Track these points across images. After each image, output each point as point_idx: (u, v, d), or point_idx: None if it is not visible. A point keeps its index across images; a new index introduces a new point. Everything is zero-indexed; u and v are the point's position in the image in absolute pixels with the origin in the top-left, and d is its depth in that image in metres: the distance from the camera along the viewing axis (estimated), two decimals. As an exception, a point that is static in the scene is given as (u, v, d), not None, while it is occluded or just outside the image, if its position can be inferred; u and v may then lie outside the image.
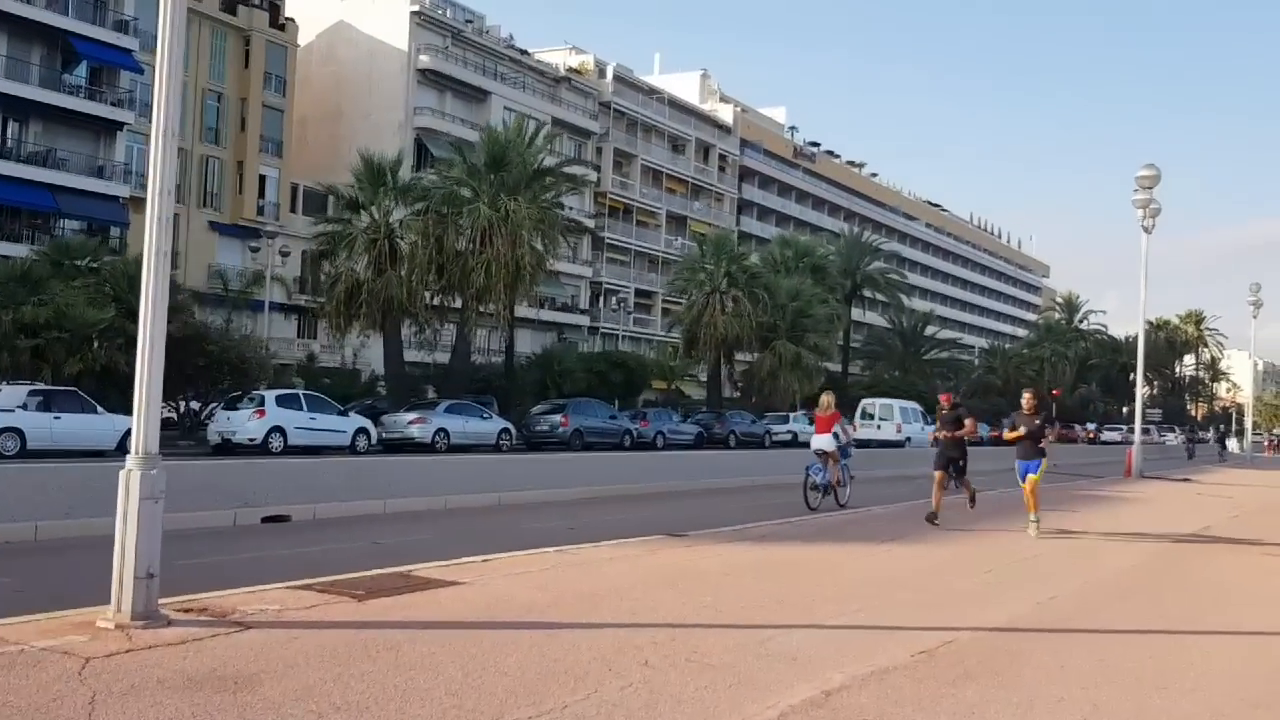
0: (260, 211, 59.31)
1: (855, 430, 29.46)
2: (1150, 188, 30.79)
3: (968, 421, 16.29)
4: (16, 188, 46.90)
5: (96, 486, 11.22)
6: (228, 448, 26.58)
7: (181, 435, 30.27)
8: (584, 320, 76.06)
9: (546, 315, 71.72)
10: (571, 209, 74.73)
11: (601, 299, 78.40)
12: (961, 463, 16.21)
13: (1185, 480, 31.88)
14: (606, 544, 11.58)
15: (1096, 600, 10.02)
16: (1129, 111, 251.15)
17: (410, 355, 53.58)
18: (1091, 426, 79.88)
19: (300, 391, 30.09)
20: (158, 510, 6.77)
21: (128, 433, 20.98)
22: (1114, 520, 18.31)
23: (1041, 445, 15.09)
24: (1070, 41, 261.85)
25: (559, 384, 42.22)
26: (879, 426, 46.93)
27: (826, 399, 19.15)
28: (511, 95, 69.46)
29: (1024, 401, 15.62)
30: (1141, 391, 35.54)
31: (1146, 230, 31.38)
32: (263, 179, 60.19)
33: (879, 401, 49.18)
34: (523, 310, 69.61)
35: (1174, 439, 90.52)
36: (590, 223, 76.82)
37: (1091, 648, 7.56)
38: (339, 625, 7.12)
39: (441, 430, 30.63)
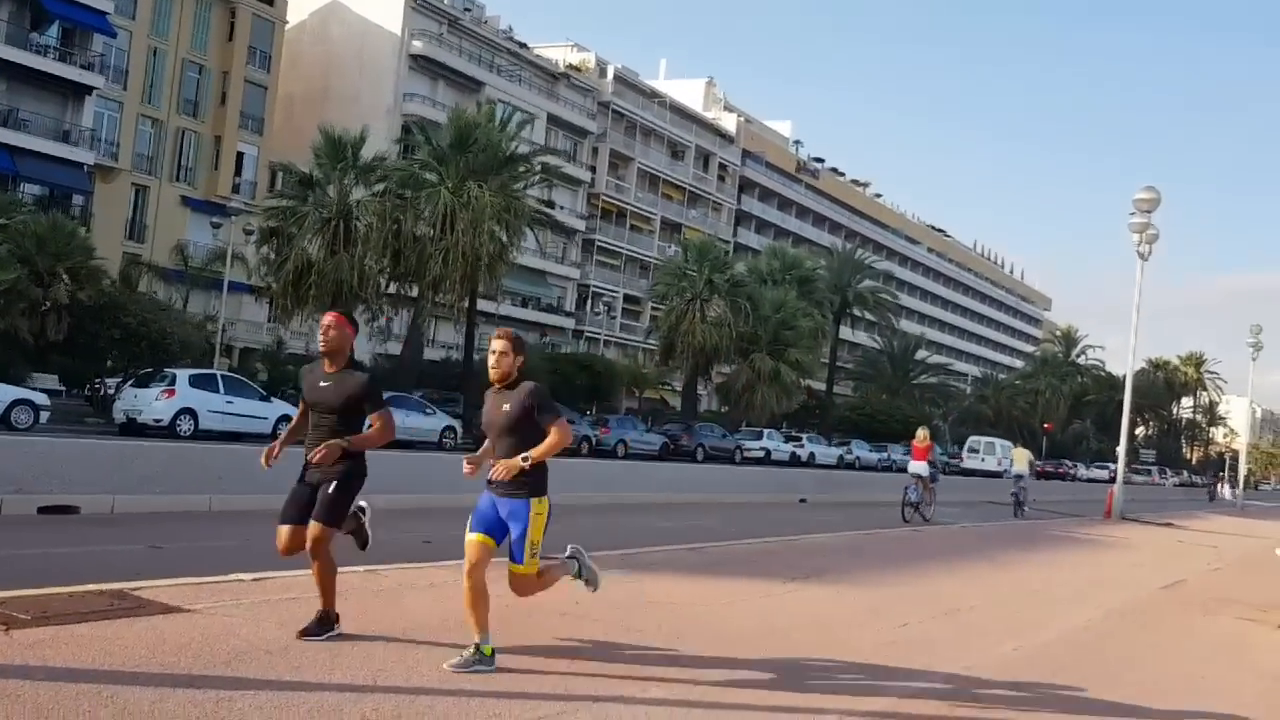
0: (236, 189, 57.46)
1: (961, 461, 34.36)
2: (1149, 211, 28.82)
3: None
4: (-29, 146, 45.10)
5: None
6: (133, 428, 24.53)
7: (96, 411, 28.24)
8: (569, 323, 74.15)
9: (530, 315, 69.86)
10: (563, 208, 73.07)
11: (589, 302, 76.48)
12: None
13: (1168, 525, 29.80)
14: (436, 565, 9.57)
15: (1019, 676, 7.98)
16: (1149, 158, 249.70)
17: (384, 348, 51.68)
18: (1074, 463, 77.81)
19: (218, 372, 28.05)
20: None
21: (12, 404, 18.67)
22: (1077, 569, 16.27)
23: None
24: (1095, 83, 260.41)
25: (518, 384, 40.02)
26: (983, 460, 55.35)
27: (922, 433, 23.90)
28: (506, 88, 67.61)
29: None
30: (1126, 424, 33.46)
31: (1143, 257, 29.38)
32: (241, 156, 58.38)
33: (983, 439, 59.69)
34: (505, 308, 68.16)
35: (1171, 481, 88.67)
36: (581, 223, 75.00)
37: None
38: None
39: (375, 424, 28.51)
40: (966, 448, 58.53)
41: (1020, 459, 29.95)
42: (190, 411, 24.48)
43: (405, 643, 6.64)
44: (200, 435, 24.54)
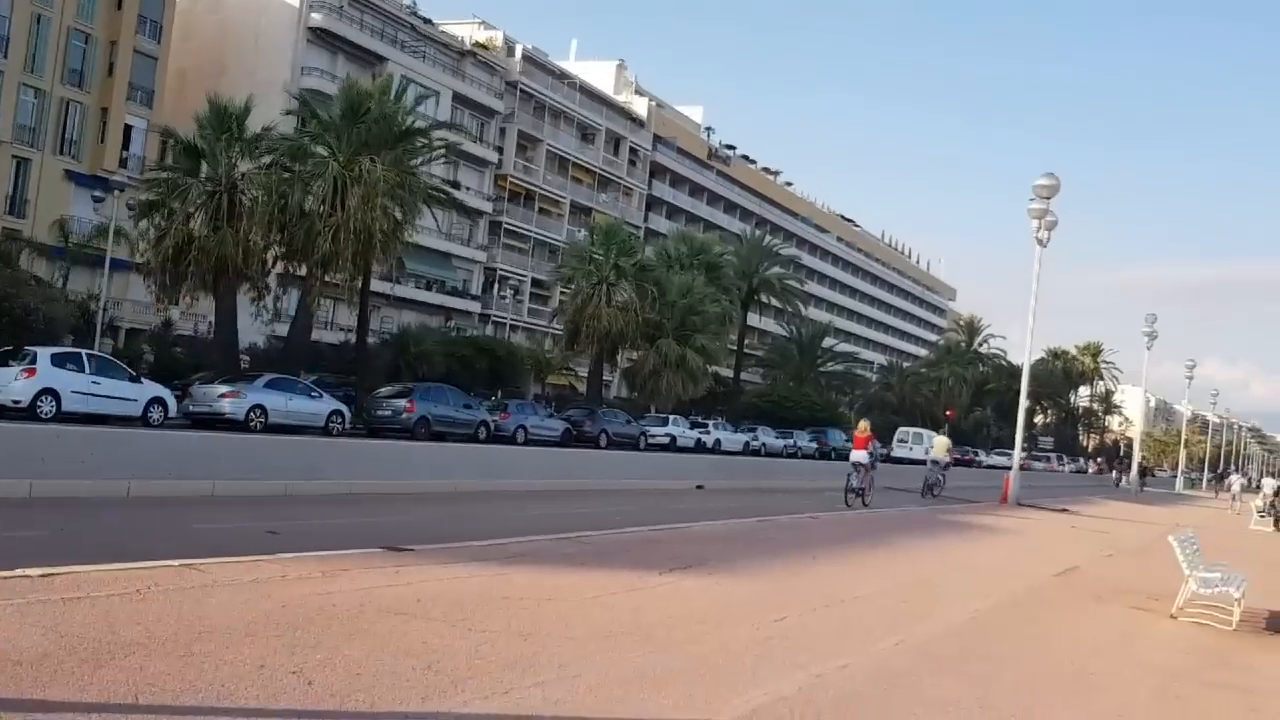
0: (124, 164, 54.78)
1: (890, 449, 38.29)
2: (1048, 198, 28.86)
3: None
4: None
5: None
6: (-9, 410, 22.90)
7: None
8: (475, 307, 72.65)
9: (434, 298, 68.32)
10: (469, 189, 71.46)
11: (496, 286, 75.10)
12: None
13: (1063, 511, 29.96)
14: (272, 559, 8.64)
15: (898, 674, 7.38)
16: (1055, 150, 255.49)
17: (272, 329, 49.75)
18: (977, 450, 79.03)
19: (84, 352, 26.37)
20: None
21: None
22: (970, 556, 15.91)
23: None
24: (1001, 78, 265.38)
25: (413, 367, 38.81)
26: (911, 449, 58.69)
27: (864, 424, 25.39)
28: (410, 64, 65.73)
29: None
30: (1023, 411, 33.66)
31: (1041, 243, 29.43)
32: (129, 129, 55.70)
33: (911, 430, 65.14)
34: (409, 290, 66.49)
35: (1069, 468, 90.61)
36: (488, 205, 73.53)
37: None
38: None
39: (258, 407, 27.15)
40: (896, 439, 61.28)
41: (940, 447, 32.06)
42: (52, 392, 22.84)
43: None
44: (65, 417, 22.99)
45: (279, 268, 35.12)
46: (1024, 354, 36.96)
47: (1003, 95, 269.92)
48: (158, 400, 25.14)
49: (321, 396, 29.78)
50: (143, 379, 25.93)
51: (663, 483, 24.09)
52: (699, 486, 24.86)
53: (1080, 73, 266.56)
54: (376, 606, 7.28)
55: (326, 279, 33.55)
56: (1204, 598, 11.73)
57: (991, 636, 9.23)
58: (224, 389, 27.59)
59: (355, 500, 15.00)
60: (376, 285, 63.13)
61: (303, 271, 34.61)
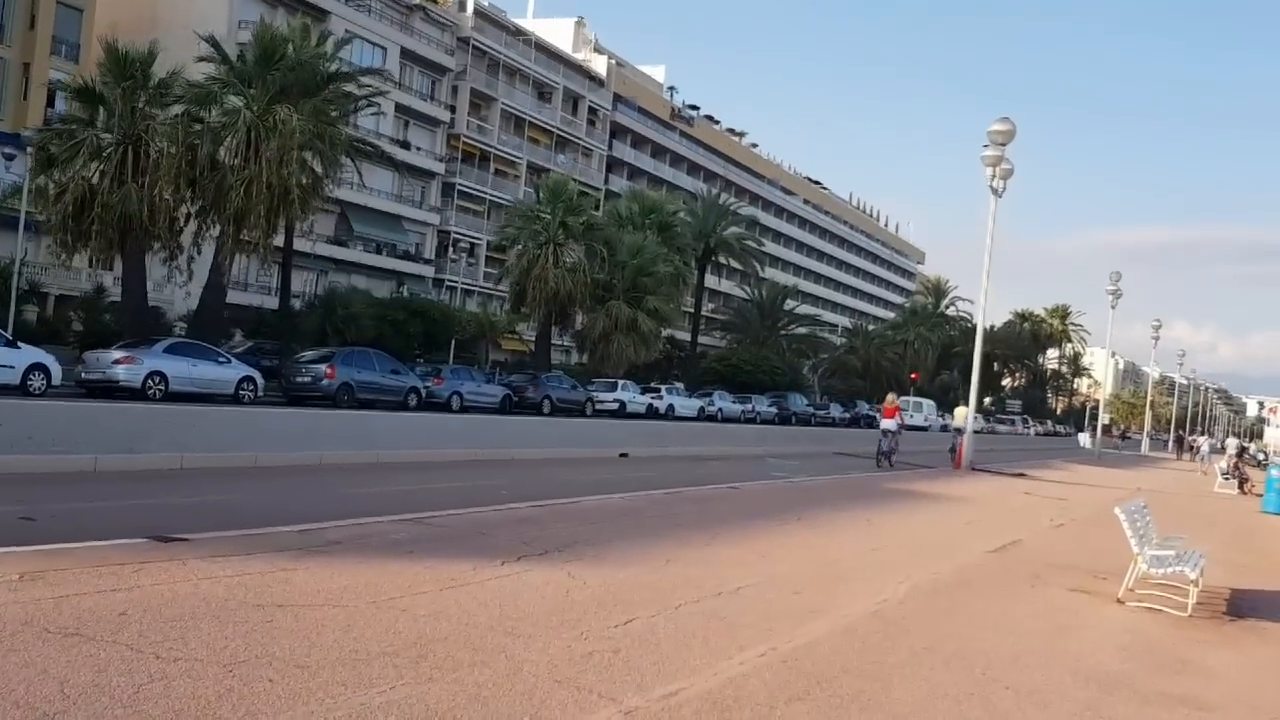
0: (48, 122, 52.15)
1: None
2: (1003, 144, 27.10)
3: None
4: None
5: None
6: None
7: None
8: (428, 271, 70.37)
9: (385, 262, 66.08)
10: (420, 149, 69.07)
11: (450, 249, 72.83)
12: None
13: (1020, 475, 28.46)
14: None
15: (740, 703, 5.65)
16: (1026, 113, 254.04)
17: (234, 297, 47.36)
18: (943, 413, 77.87)
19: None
20: None
21: None
22: (900, 530, 14.22)
23: None
24: (972, 42, 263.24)
25: (341, 331, 36.72)
26: (911, 416, 57.88)
27: (892, 396, 30.21)
28: (354, 18, 63.07)
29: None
30: (977, 369, 32.20)
31: (996, 193, 27.70)
32: (54, 86, 53.02)
33: (912, 399, 65.52)
34: (357, 254, 64.14)
35: (1035, 430, 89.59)
36: (440, 166, 71.16)
37: None
38: None
39: (157, 374, 25.12)
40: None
41: (960, 416, 34.02)
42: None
43: None
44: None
45: (192, 225, 32.85)
46: (979, 309, 35.31)
47: (975, 59, 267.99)
48: (38, 367, 23.09)
49: (229, 362, 27.75)
50: (20, 344, 23.84)
51: (581, 450, 22.27)
52: (623, 455, 23.09)
53: (1052, 32, 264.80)
54: (43, 625, 5.47)
55: (241, 237, 31.33)
56: (1156, 578, 10.13)
57: (889, 638, 7.50)
58: (119, 354, 25.50)
59: (183, 477, 13.11)
60: (324, 249, 61.24)
61: (215, 229, 32.42)
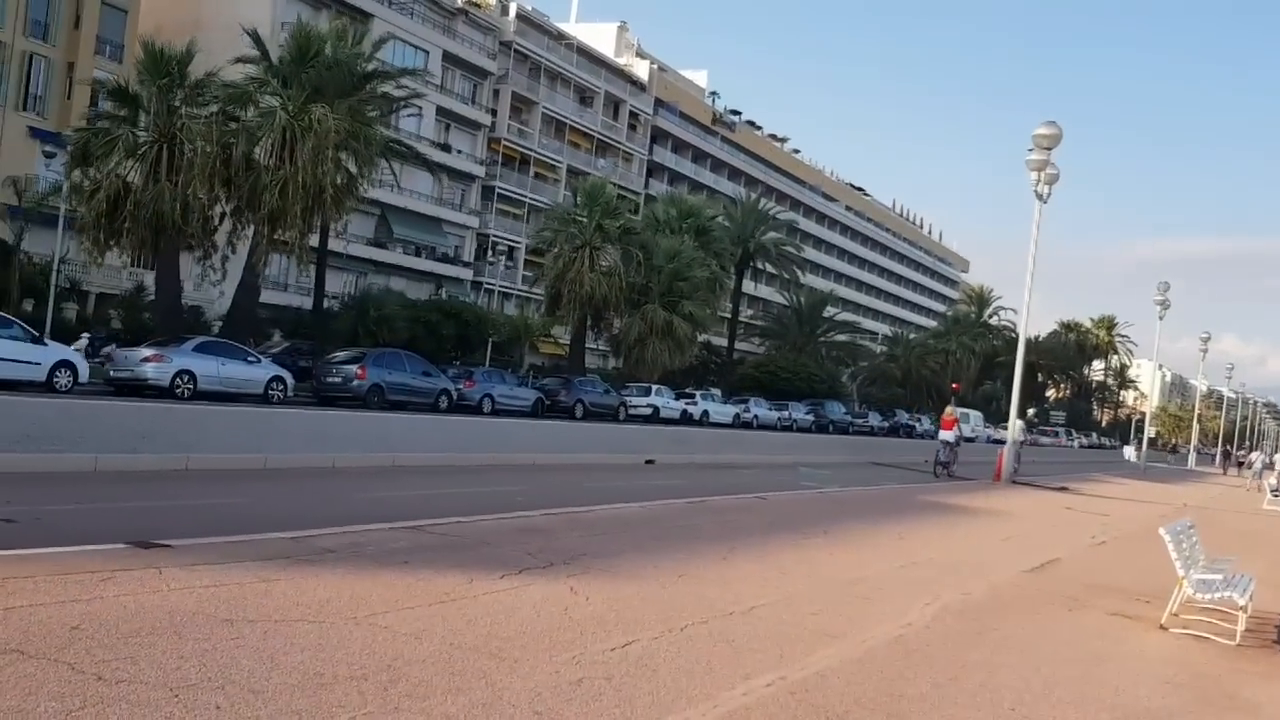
0: (90, 121, 52.61)
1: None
2: (1048, 148, 26.33)
3: None
4: None
5: None
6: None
7: None
8: (467, 274, 70.36)
9: (424, 265, 66.10)
10: (460, 152, 69.05)
11: (489, 252, 72.70)
12: None
13: (1062, 489, 27.62)
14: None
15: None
16: (1074, 123, 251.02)
17: (274, 297, 47.40)
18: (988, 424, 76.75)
19: (-18, 312, 24.23)
20: None
21: None
22: (933, 546, 13.60)
23: None
24: (1023, 58, 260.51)
25: (374, 332, 36.52)
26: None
27: (950, 408, 31.94)
28: (397, 21, 63.17)
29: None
30: (1019, 379, 31.39)
31: (1041, 198, 26.92)
32: (95, 85, 53.53)
33: (958, 410, 71.56)
34: (397, 256, 64.11)
35: (1079, 443, 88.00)
36: (480, 169, 71.10)
37: None
38: None
39: (185, 372, 24.98)
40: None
41: (1015, 429, 32.42)
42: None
43: None
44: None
45: (227, 225, 32.79)
46: (1022, 318, 34.41)
47: (1022, 73, 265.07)
48: (65, 364, 22.99)
49: (259, 361, 27.57)
50: (47, 340, 23.76)
51: (607, 456, 21.81)
52: (649, 461, 22.59)
53: (1099, 54, 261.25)
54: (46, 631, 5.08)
55: (275, 236, 31.21)
56: (1202, 602, 9.49)
57: (911, 667, 6.95)
58: (147, 352, 25.38)
59: (186, 478, 12.77)
60: (364, 251, 61.27)
61: (250, 229, 32.34)
